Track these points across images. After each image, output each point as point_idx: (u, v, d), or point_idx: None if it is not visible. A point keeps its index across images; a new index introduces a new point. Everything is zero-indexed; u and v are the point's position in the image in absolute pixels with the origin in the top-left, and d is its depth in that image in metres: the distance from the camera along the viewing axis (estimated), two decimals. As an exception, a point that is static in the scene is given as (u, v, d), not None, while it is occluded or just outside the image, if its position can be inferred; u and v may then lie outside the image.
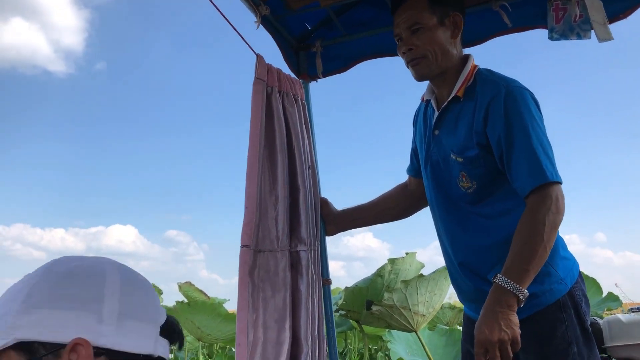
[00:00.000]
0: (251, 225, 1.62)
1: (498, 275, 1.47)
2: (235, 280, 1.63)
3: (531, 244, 1.46)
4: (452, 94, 1.66)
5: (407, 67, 1.72)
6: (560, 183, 1.50)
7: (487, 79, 1.63)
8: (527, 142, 1.50)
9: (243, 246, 1.59)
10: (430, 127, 1.76)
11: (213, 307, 5.27)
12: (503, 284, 1.45)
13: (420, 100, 1.92)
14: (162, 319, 0.80)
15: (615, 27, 1.91)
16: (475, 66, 1.70)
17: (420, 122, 1.87)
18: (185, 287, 7.22)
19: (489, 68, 1.71)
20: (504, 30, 2.06)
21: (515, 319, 1.44)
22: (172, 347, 0.85)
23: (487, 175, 1.60)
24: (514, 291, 1.44)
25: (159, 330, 0.79)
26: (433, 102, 1.77)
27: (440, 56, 1.66)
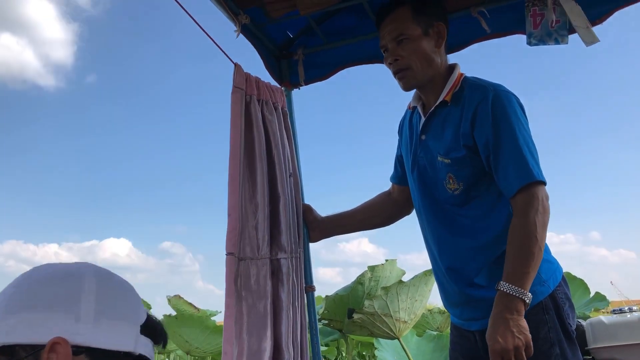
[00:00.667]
0: (235, 232, 1.62)
1: (501, 282, 1.49)
2: None
3: (527, 246, 1.49)
4: (440, 99, 1.70)
5: (394, 77, 1.75)
6: (545, 184, 1.54)
7: (475, 84, 1.67)
8: (514, 143, 1.54)
9: (228, 254, 1.60)
10: (417, 132, 1.78)
11: (201, 320, 5.23)
12: (508, 291, 1.47)
13: (405, 109, 1.95)
14: (143, 318, 0.82)
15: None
16: (462, 74, 1.74)
17: (406, 129, 1.89)
18: (175, 301, 7.16)
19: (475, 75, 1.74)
20: (483, 36, 2.07)
21: (524, 323, 1.46)
22: (156, 347, 0.86)
23: (474, 176, 1.63)
24: (520, 296, 1.46)
25: (139, 329, 0.80)
26: (420, 108, 1.80)
27: (426, 65, 1.69)
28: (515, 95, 1.64)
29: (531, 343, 1.45)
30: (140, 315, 0.82)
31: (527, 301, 1.47)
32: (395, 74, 1.74)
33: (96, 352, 0.73)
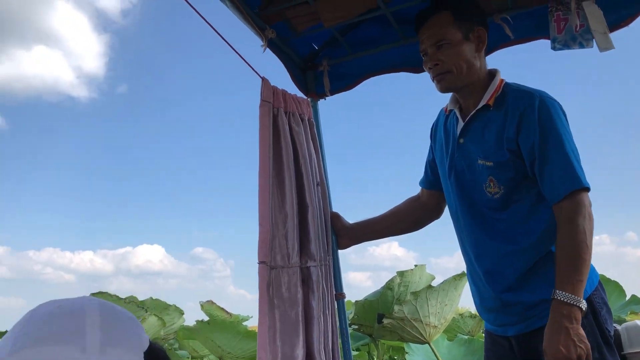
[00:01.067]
0: (266, 241, 1.67)
1: (557, 291, 1.48)
2: None
3: (579, 254, 1.49)
4: (482, 103, 1.71)
5: (432, 80, 1.77)
6: (589, 190, 1.56)
7: (519, 90, 1.69)
8: (561, 149, 1.56)
9: (260, 262, 1.64)
10: (455, 136, 1.79)
11: (233, 326, 5.29)
12: (566, 299, 1.47)
13: (439, 113, 1.96)
14: (145, 345, 0.85)
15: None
16: (503, 79, 1.76)
17: (441, 133, 1.90)
18: (208, 306, 7.26)
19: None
20: (507, 42, 2.08)
21: (583, 332, 1.46)
22: None
23: (515, 180, 1.64)
24: (577, 304, 1.46)
25: (142, 355, 0.83)
26: (457, 112, 1.81)
27: (466, 70, 1.71)
28: (559, 102, 1.65)
29: (590, 351, 1.44)
30: (143, 342, 0.85)
31: (584, 309, 1.47)
32: (434, 77, 1.75)
33: None
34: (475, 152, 1.71)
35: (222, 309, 7.36)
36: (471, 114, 1.74)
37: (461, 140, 1.76)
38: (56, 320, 0.80)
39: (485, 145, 1.68)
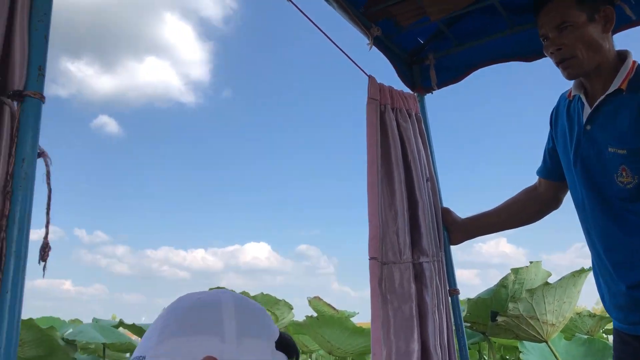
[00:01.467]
0: (376, 238, 1.68)
1: None
2: (365, 292, 1.70)
3: None
4: (613, 87, 1.60)
5: (557, 66, 1.68)
6: None
7: None
8: None
9: (371, 258, 1.67)
10: (580, 123, 1.70)
11: (341, 321, 5.37)
12: None
13: (560, 98, 1.86)
14: (276, 335, 0.90)
15: None
16: (635, 61, 1.63)
17: (563, 119, 1.80)
18: (315, 302, 7.42)
19: None
20: (627, 23, 1.95)
21: None
22: None
23: None
24: None
25: (274, 345, 0.88)
26: (583, 97, 1.70)
27: (592, 53, 1.60)
28: None
29: None
30: (273, 332, 0.90)
31: None
32: (558, 63, 1.65)
33: None
34: (605, 139, 1.60)
35: (329, 304, 7.49)
36: (600, 99, 1.62)
37: (588, 127, 1.65)
38: (196, 312, 0.87)
39: (617, 132, 1.57)
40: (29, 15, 0.97)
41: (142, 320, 6.54)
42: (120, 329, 6.55)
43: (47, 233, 0.92)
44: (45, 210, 0.93)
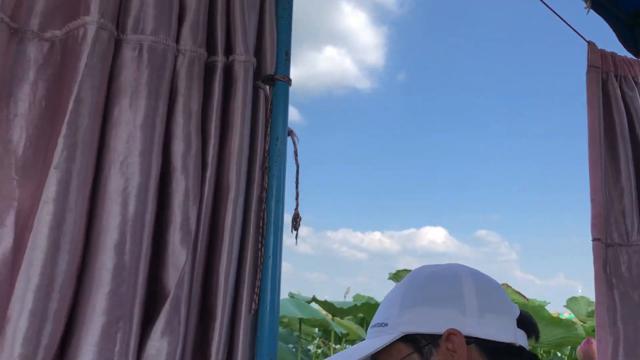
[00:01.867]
0: (600, 218, 1.57)
1: None
2: (552, 281, 1.61)
3: None
4: None
5: None
6: None
7: None
8: None
9: (594, 240, 1.56)
10: None
11: (535, 310, 5.12)
12: None
13: None
14: (517, 313, 0.87)
15: None
16: None
17: None
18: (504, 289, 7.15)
19: None
20: None
21: None
22: (529, 340, 0.90)
23: None
24: None
25: (515, 322, 0.85)
26: None
27: None
28: None
29: None
30: (514, 309, 0.87)
31: None
32: None
33: (484, 343, 0.81)
34: None
35: (519, 292, 7.15)
36: None
37: None
38: (435, 284, 0.88)
39: None
40: (275, 5, 1.06)
41: (324, 297, 6.83)
42: (312, 304, 6.94)
43: (297, 205, 1.00)
44: (294, 184, 1.02)
